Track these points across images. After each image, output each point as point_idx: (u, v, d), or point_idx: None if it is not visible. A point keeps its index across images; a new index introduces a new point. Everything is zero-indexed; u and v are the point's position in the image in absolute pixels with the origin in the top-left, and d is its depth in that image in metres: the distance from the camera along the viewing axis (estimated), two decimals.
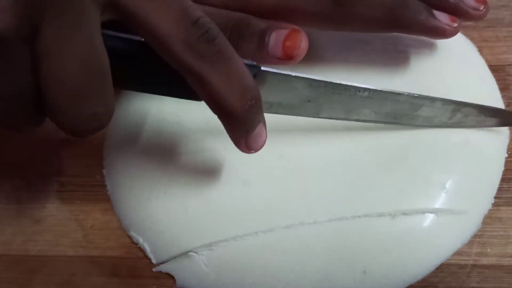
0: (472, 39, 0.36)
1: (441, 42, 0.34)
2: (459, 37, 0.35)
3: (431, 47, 0.34)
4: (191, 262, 0.29)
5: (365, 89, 0.28)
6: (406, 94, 0.29)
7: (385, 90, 0.28)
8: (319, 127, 0.31)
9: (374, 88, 0.28)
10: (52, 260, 0.32)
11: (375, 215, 0.28)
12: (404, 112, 0.30)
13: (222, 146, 0.32)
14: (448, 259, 0.28)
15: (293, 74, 0.27)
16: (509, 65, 0.34)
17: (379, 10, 0.30)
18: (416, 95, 0.29)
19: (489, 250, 0.28)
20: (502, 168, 0.30)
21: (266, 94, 0.27)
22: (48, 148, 0.36)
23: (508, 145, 0.31)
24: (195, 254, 0.29)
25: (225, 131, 0.31)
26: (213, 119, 0.32)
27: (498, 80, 0.33)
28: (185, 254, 0.29)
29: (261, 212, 0.29)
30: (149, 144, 0.33)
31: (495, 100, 0.32)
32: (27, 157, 0.36)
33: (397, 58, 0.33)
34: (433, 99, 0.29)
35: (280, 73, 0.27)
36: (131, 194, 0.32)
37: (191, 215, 0.30)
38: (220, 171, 0.31)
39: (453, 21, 0.30)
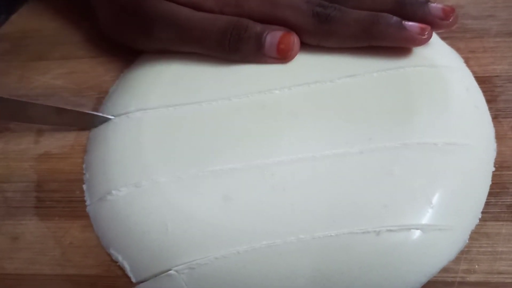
0: (458, 50, 0.35)
1: (427, 53, 0.33)
2: (445, 48, 0.35)
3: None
4: (172, 281, 0.28)
5: None
6: None
7: None
8: (303, 142, 0.31)
9: None
10: (28, 279, 0.31)
11: (360, 232, 0.27)
12: None
13: (202, 160, 0.31)
14: (434, 276, 0.27)
15: None
16: (496, 76, 0.34)
17: (354, 27, 0.33)
18: None
19: (476, 266, 0.27)
20: (490, 182, 0.30)
21: None
22: (26, 162, 0.35)
23: (495, 159, 0.30)
24: (175, 273, 0.28)
25: (205, 146, 0.31)
26: (193, 139, 0.32)
27: (485, 92, 0.33)
28: (165, 273, 0.28)
29: (243, 230, 0.28)
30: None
31: (482, 113, 0.32)
32: (4, 171, 0.35)
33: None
34: None
35: None
36: (111, 210, 0.31)
37: (171, 232, 0.29)
38: (201, 186, 0.30)
39: (423, 30, 0.32)
